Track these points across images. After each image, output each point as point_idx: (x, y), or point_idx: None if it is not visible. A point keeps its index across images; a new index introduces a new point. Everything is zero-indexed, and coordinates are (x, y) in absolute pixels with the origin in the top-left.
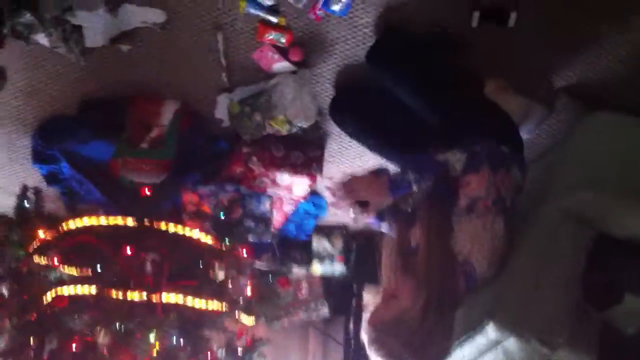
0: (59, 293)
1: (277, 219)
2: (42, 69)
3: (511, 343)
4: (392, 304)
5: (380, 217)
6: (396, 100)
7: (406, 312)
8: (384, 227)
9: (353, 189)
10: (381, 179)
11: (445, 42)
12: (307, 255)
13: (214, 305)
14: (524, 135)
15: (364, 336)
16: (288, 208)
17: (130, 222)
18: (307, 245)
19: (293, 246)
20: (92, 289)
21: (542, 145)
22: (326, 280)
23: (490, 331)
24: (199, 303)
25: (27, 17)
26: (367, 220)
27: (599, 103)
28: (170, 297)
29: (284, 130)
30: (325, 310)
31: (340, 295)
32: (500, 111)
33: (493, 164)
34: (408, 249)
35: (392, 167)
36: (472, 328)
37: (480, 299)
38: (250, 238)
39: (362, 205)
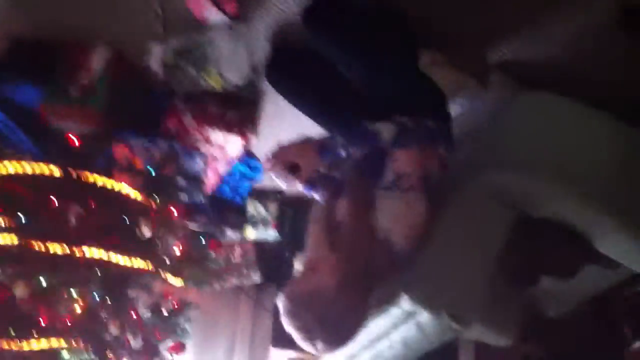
0: None
1: (211, 179)
2: None
3: (424, 316)
4: (310, 277)
5: (312, 185)
6: (332, 65)
7: (323, 287)
8: (316, 196)
9: (284, 152)
10: (311, 142)
11: (384, 10)
12: (241, 219)
13: (139, 263)
14: (455, 110)
15: (279, 305)
16: (222, 168)
17: (57, 172)
18: (241, 208)
19: (227, 209)
20: (13, 239)
21: (471, 122)
22: (260, 246)
23: (405, 304)
24: (123, 260)
25: None
26: (299, 187)
27: (532, 83)
28: (94, 253)
29: (217, 86)
30: (257, 277)
31: (273, 263)
32: (433, 85)
33: (422, 141)
34: (334, 222)
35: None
36: (389, 301)
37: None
38: (182, 197)
39: (293, 169)
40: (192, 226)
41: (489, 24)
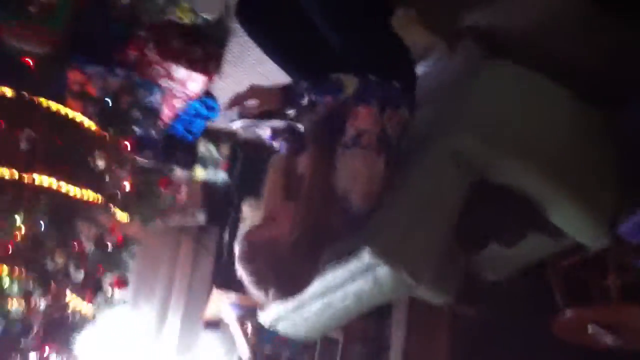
0: None
1: (166, 114)
2: None
3: (383, 270)
4: (270, 226)
5: (275, 134)
6: (305, 14)
7: (281, 237)
8: (277, 145)
9: (245, 94)
10: (276, 86)
11: None
12: (191, 157)
13: (88, 195)
14: (420, 70)
15: (237, 249)
16: (179, 104)
17: (8, 93)
18: (192, 147)
19: (178, 146)
20: None
21: (435, 83)
22: (207, 186)
23: (366, 257)
24: (73, 191)
25: None
26: (261, 134)
27: (499, 52)
28: (43, 180)
29: (186, 19)
30: (201, 218)
31: (219, 205)
32: (402, 45)
33: (383, 100)
34: (294, 175)
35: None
36: (347, 252)
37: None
38: (136, 130)
39: (251, 109)
40: (142, 161)
41: None
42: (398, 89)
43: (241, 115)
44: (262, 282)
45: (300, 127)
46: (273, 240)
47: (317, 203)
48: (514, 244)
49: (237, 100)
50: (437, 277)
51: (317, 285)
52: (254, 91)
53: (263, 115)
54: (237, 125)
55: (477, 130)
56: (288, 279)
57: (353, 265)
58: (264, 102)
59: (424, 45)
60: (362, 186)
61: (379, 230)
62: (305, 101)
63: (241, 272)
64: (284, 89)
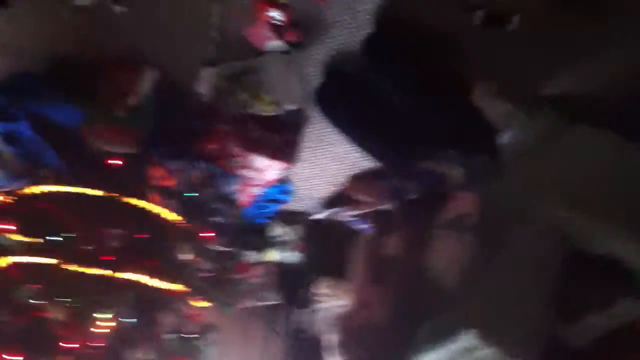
0: (14, 261)
1: (243, 201)
2: (17, 24)
3: (484, 352)
4: (364, 312)
5: (362, 217)
6: (385, 95)
7: (375, 321)
8: (363, 227)
9: (354, 188)
10: (381, 183)
11: (441, 44)
12: (264, 240)
13: (174, 286)
14: (503, 140)
15: (334, 338)
16: (255, 191)
17: (95, 193)
18: (265, 230)
19: (251, 230)
20: (50, 260)
21: (518, 153)
22: (280, 267)
23: (467, 338)
24: (160, 283)
25: None
26: (349, 219)
27: (582, 117)
28: (130, 276)
29: (268, 111)
30: (274, 298)
31: (293, 284)
32: (485, 119)
33: (480, 182)
34: (381, 257)
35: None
36: (445, 335)
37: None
38: (215, 219)
39: (356, 203)
40: (217, 247)
41: (540, 57)
42: (485, 163)
43: (325, 206)
44: None
45: (388, 208)
46: (367, 326)
47: (412, 285)
48: (605, 310)
49: (339, 199)
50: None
51: None
52: (359, 189)
53: (348, 204)
54: (322, 215)
55: (565, 200)
56: None
57: (453, 347)
58: (371, 201)
59: (505, 116)
60: (457, 268)
61: (478, 310)
62: (410, 195)
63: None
64: (389, 186)
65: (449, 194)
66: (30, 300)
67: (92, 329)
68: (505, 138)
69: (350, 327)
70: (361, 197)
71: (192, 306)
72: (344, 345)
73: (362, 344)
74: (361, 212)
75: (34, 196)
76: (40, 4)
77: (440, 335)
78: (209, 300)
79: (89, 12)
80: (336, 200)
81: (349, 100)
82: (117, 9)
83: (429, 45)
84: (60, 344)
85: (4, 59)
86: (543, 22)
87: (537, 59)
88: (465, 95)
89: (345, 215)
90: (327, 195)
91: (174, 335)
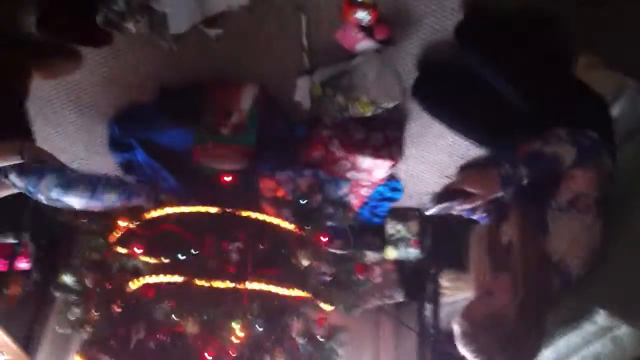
0: (145, 282)
1: (354, 202)
2: (122, 58)
3: (622, 331)
4: (487, 301)
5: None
6: (483, 81)
7: (502, 310)
8: (476, 217)
9: (464, 181)
10: (492, 172)
11: (538, 19)
12: (380, 239)
13: (297, 292)
14: (615, 112)
15: (456, 328)
16: (366, 192)
17: (211, 210)
18: (380, 229)
19: (366, 230)
20: (178, 278)
21: (634, 123)
22: (400, 264)
23: (601, 319)
24: (283, 290)
25: (120, 4)
26: (463, 211)
27: None
28: (254, 285)
29: (367, 111)
30: (399, 296)
31: (414, 280)
32: (592, 93)
33: (595, 158)
34: (499, 245)
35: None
36: (579, 316)
37: (583, 289)
38: (329, 223)
39: (468, 196)
40: (334, 250)
41: None
42: (597, 139)
43: (437, 202)
44: (488, 359)
45: (502, 195)
46: (494, 315)
47: (533, 270)
48: None
49: (452, 193)
50: None
51: (549, 354)
52: (469, 181)
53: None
54: (433, 211)
55: None
56: (516, 352)
57: (587, 328)
58: (486, 190)
59: (613, 87)
60: (580, 249)
61: (610, 289)
62: (523, 181)
63: (464, 352)
64: (500, 174)
65: (563, 174)
66: (166, 317)
67: (225, 340)
68: (615, 111)
69: (474, 317)
70: (473, 189)
71: (318, 310)
72: (469, 336)
73: (488, 334)
74: (474, 204)
75: (157, 219)
76: (139, 38)
77: (571, 318)
78: (333, 303)
79: (185, 38)
80: (447, 194)
81: (446, 90)
82: (212, 32)
83: (523, 25)
84: (198, 356)
85: (113, 93)
86: None
87: None
88: (570, 70)
89: (459, 208)
90: (438, 189)
91: (304, 340)
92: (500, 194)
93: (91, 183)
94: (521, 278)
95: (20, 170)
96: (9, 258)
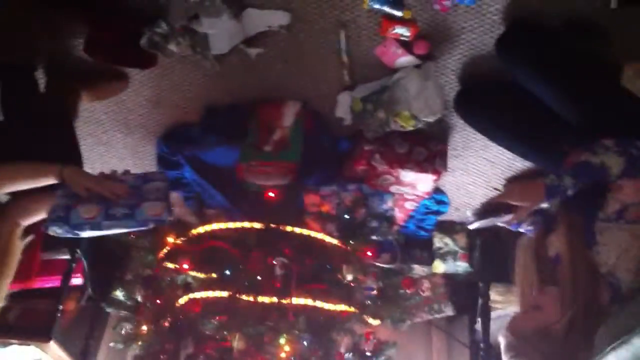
0: (192, 297)
1: (399, 216)
2: (167, 79)
3: None
4: (535, 315)
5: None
6: (526, 93)
7: (550, 324)
8: (522, 229)
9: (509, 193)
10: (537, 183)
11: (581, 30)
12: (428, 253)
13: (343, 307)
14: None
15: (502, 341)
16: (410, 205)
17: (257, 226)
18: (428, 243)
19: (413, 244)
20: (224, 294)
21: None
22: (449, 278)
23: None
24: (328, 306)
25: (163, 27)
26: (509, 224)
27: None
28: (300, 301)
29: (409, 126)
30: (449, 310)
31: (465, 294)
32: (638, 102)
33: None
34: (545, 257)
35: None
36: (627, 332)
37: (634, 302)
38: (374, 238)
39: (512, 208)
40: (381, 264)
41: None
42: None
43: (480, 217)
44: None
45: (548, 206)
46: (541, 329)
47: (582, 284)
48: None
49: (496, 206)
50: None
51: None
52: (513, 193)
53: (501, 210)
54: (476, 226)
55: None
56: None
57: (637, 343)
58: (531, 202)
59: None
60: (630, 261)
61: None
62: (569, 191)
63: None
64: (546, 185)
65: (611, 184)
66: (213, 332)
67: (272, 355)
68: None
69: (521, 330)
70: (517, 201)
71: (365, 325)
72: (516, 349)
73: (535, 347)
74: (520, 216)
75: (204, 235)
76: (183, 59)
77: (621, 332)
78: (380, 318)
79: (227, 59)
80: (491, 208)
81: (488, 103)
82: (253, 52)
83: (566, 36)
84: None
85: (160, 113)
86: None
87: None
88: (617, 80)
89: (504, 221)
90: (483, 203)
91: (351, 355)
92: (545, 204)
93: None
94: (570, 292)
95: (56, 222)
96: (63, 274)
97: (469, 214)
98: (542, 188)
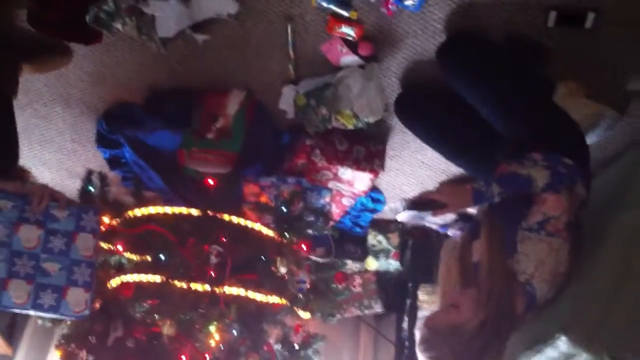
0: (125, 280)
1: (336, 212)
2: (111, 56)
3: (583, 358)
4: (452, 312)
5: (446, 224)
6: (463, 101)
7: (464, 323)
8: (449, 231)
9: (439, 192)
10: (466, 187)
11: (519, 44)
12: (362, 249)
13: (274, 299)
14: (592, 140)
15: (417, 334)
16: (347, 202)
17: (194, 212)
18: (362, 239)
19: (348, 240)
20: (157, 278)
21: (610, 151)
22: (380, 276)
23: (562, 345)
24: (260, 297)
25: (110, 4)
26: (429, 224)
27: None
28: (232, 290)
29: (350, 124)
30: (378, 307)
31: (394, 292)
32: (568, 119)
33: (568, 183)
34: (469, 262)
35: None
36: (541, 340)
37: (547, 313)
38: (309, 232)
39: (440, 207)
40: (315, 258)
41: (627, 50)
42: (572, 166)
43: (408, 207)
44: None
45: (473, 212)
46: (455, 327)
47: (498, 288)
48: None
49: (426, 200)
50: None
51: None
52: (442, 191)
53: (429, 206)
54: (404, 217)
55: None
56: None
57: (548, 353)
58: (457, 203)
59: (591, 115)
60: (547, 272)
61: (572, 315)
62: (495, 199)
63: (422, 358)
64: (474, 189)
65: (536, 196)
66: (144, 316)
67: (202, 343)
68: (592, 139)
69: (436, 325)
70: (444, 199)
71: (295, 317)
72: (429, 342)
73: (447, 343)
74: (444, 214)
75: (140, 217)
76: (129, 39)
77: (534, 342)
78: (311, 311)
79: (173, 42)
80: (420, 202)
81: (426, 108)
82: (200, 37)
83: (504, 50)
84: (174, 358)
85: (102, 90)
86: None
87: (622, 52)
88: (548, 96)
89: (429, 219)
90: (414, 196)
91: (280, 346)
92: (472, 209)
93: None
94: (486, 295)
95: None
96: None
97: (398, 204)
98: (470, 192)
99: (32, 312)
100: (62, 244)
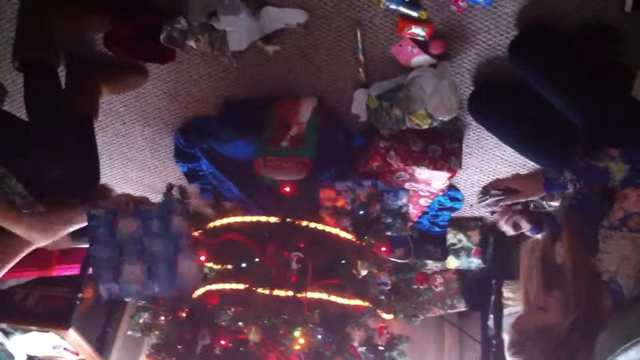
0: (209, 289)
1: (414, 212)
2: (185, 73)
3: None
4: (539, 315)
5: (535, 223)
6: (538, 96)
7: (553, 325)
8: (531, 232)
9: (512, 179)
10: (537, 174)
11: (595, 33)
12: (441, 249)
13: (357, 302)
14: None
15: (506, 338)
16: (424, 202)
17: (273, 219)
18: (441, 238)
19: (427, 240)
20: (240, 286)
21: None
22: (462, 274)
23: None
24: (343, 300)
25: (182, 23)
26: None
27: None
28: (315, 295)
29: (424, 124)
30: (461, 306)
31: (477, 290)
32: None
33: None
34: (551, 263)
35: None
36: (625, 340)
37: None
38: (388, 233)
39: (512, 192)
40: (394, 259)
41: None
42: None
43: (481, 194)
44: None
45: (556, 214)
46: (544, 329)
47: (585, 289)
48: None
49: (497, 185)
50: None
51: None
52: (517, 179)
53: (517, 193)
54: (483, 202)
55: None
56: None
57: (636, 353)
58: (527, 191)
59: None
60: (631, 267)
61: None
62: (569, 189)
63: None
64: (547, 178)
65: (616, 193)
66: (229, 324)
67: (287, 348)
68: None
69: (525, 328)
70: (516, 185)
71: (378, 319)
72: (518, 345)
73: (537, 346)
74: (515, 200)
75: (220, 227)
76: (201, 55)
77: (627, 337)
78: (393, 313)
79: (245, 55)
80: (494, 187)
81: (501, 105)
82: (270, 49)
83: (578, 40)
84: None
85: (178, 106)
86: None
87: None
88: (626, 87)
89: (502, 203)
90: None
91: (365, 349)
92: (544, 194)
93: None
94: (573, 297)
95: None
96: (82, 262)
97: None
98: (542, 179)
99: (151, 292)
100: (160, 225)
